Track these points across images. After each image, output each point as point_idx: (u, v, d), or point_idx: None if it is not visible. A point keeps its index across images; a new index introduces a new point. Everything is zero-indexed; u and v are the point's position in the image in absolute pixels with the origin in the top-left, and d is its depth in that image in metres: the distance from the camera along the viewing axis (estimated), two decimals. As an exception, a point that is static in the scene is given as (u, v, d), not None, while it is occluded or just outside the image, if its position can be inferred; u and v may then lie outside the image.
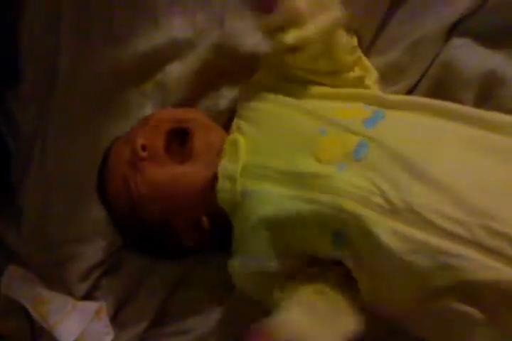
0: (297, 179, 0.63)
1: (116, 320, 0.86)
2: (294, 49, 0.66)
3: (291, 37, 0.63)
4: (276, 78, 0.72)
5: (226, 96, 0.79)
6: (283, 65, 0.71)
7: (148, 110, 0.82)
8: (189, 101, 0.80)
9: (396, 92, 0.73)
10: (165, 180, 0.70)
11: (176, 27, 0.79)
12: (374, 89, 0.70)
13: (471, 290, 0.54)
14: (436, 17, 0.71)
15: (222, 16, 0.77)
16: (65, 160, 0.85)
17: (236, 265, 0.70)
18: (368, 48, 0.72)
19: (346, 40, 0.69)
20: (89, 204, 0.84)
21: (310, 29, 0.64)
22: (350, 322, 0.59)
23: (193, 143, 0.71)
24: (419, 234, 0.55)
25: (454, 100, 0.67)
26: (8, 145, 0.89)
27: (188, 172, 0.70)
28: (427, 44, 0.72)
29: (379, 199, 0.57)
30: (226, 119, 0.77)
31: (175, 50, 0.79)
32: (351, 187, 0.59)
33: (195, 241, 0.75)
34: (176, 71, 0.79)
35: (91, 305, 0.86)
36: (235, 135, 0.71)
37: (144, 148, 0.70)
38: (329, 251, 0.62)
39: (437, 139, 0.61)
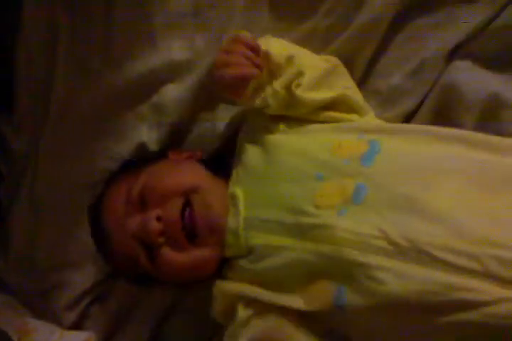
0: (299, 229, 0.63)
1: (106, 352, 0.85)
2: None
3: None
4: (265, 120, 0.73)
5: (222, 118, 0.79)
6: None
7: (143, 132, 0.81)
8: (185, 123, 0.80)
9: (398, 115, 0.74)
10: (182, 265, 0.69)
11: (174, 50, 0.79)
12: (369, 118, 0.71)
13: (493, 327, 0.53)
14: (437, 40, 0.72)
15: (220, 39, 0.77)
16: (55, 184, 0.84)
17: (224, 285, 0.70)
18: (367, 71, 0.72)
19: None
20: (79, 229, 0.83)
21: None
22: None
23: (198, 225, 0.68)
24: (426, 272, 0.55)
25: (455, 122, 0.69)
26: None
27: (201, 256, 0.69)
28: (428, 67, 0.72)
29: (382, 243, 0.57)
30: (224, 140, 0.77)
31: (171, 72, 0.79)
32: (351, 233, 0.59)
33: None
34: (172, 93, 0.79)
35: (79, 335, 0.83)
36: (233, 188, 0.71)
37: (161, 234, 0.68)
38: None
39: (435, 169, 0.61)
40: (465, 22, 0.70)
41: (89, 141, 0.82)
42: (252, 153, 0.72)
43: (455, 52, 0.71)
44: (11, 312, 0.85)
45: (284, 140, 0.70)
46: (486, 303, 0.53)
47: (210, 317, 0.74)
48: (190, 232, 0.68)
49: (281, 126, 0.71)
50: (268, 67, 0.68)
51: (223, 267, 0.73)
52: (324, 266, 0.60)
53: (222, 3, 0.77)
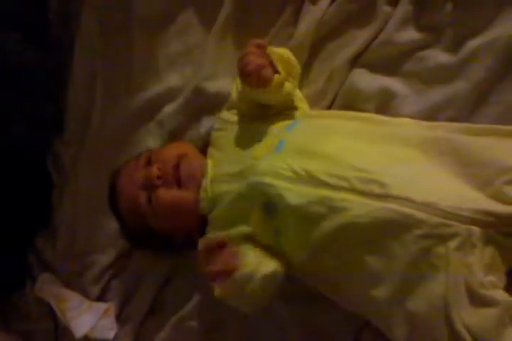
0: (241, 175, 0.84)
1: (120, 316, 1.04)
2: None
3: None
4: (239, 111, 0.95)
5: (205, 125, 1.00)
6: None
7: (149, 144, 1.04)
8: (178, 131, 1.02)
9: (320, 110, 0.94)
10: (171, 200, 0.89)
11: (171, 79, 1.03)
12: (303, 108, 0.92)
13: (354, 230, 0.73)
14: (342, 55, 0.92)
15: (201, 68, 1.00)
16: (90, 187, 1.08)
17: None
18: (301, 80, 0.93)
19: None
20: (105, 222, 1.06)
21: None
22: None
23: (185, 177, 0.90)
24: (315, 191, 0.76)
25: (358, 111, 0.90)
26: (52, 179, 1.13)
27: (184, 195, 0.90)
28: (337, 75, 0.92)
29: (288, 172, 0.79)
30: (206, 142, 0.98)
31: (169, 96, 1.03)
32: (269, 167, 0.80)
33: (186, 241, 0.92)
34: (169, 109, 1.03)
35: (101, 305, 1.04)
36: (206, 160, 0.93)
37: (159, 178, 0.90)
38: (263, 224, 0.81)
39: (329, 131, 0.84)
40: (358, 40, 0.91)
41: (113, 152, 1.07)
42: (220, 138, 0.94)
43: (354, 63, 0.92)
44: (52, 285, 1.07)
45: (243, 123, 0.92)
46: (350, 208, 0.74)
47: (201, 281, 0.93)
48: (178, 179, 0.88)
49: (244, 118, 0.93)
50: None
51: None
52: (251, 193, 0.81)
53: (200, 44, 1.02)
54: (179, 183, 0.89)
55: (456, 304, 0.69)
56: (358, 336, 0.88)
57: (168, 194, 0.88)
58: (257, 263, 0.78)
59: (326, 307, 0.88)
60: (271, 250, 0.82)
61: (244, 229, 0.83)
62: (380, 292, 0.74)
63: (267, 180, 0.79)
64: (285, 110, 0.91)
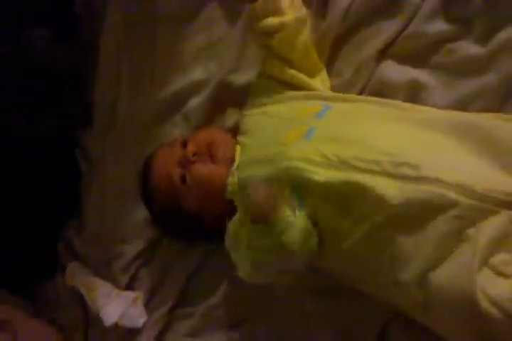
0: (269, 160, 0.85)
1: (149, 305, 1.06)
2: (274, 32, 0.90)
3: (274, 20, 0.88)
4: (264, 93, 0.96)
5: (230, 118, 1.01)
6: (267, 64, 0.95)
7: (175, 136, 1.04)
8: (203, 125, 1.03)
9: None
10: (207, 174, 0.90)
11: (196, 72, 1.05)
12: (326, 90, 0.94)
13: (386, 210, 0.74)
14: (369, 47, 0.92)
15: (226, 61, 1.02)
16: (116, 178, 1.10)
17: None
18: (327, 70, 0.95)
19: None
20: (133, 210, 1.07)
21: (288, 17, 0.89)
22: None
23: (219, 154, 0.91)
24: (347, 175, 0.77)
25: None
26: (80, 169, 1.15)
27: (217, 169, 0.90)
28: (365, 67, 0.93)
29: (319, 158, 0.79)
30: (232, 134, 0.98)
31: (195, 89, 1.04)
32: (299, 152, 0.81)
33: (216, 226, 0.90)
34: (195, 103, 1.04)
35: (130, 294, 1.06)
36: (235, 146, 0.94)
37: (194, 154, 0.91)
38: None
39: (359, 116, 0.86)
40: (386, 32, 0.91)
41: (139, 144, 1.08)
42: (250, 122, 0.95)
43: (382, 55, 0.92)
44: (81, 274, 1.09)
45: (270, 109, 0.93)
46: (382, 191, 0.74)
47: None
48: (212, 156, 0.90)
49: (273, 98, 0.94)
50: None
51: None
52: (279, 177, 0.80)
53: (225, 38, 1.03)
54: (212, 159, 0.90)
55: (481, 280, 0.69)
56: (383, 333, 0.89)
57: (204, 168, 0.90)
58: (297, 216, 0.77)
59: (352, 303, 0.89)
60: None
61: None
62: (407, 274, 0.74)
63: (297, 163, 0.80)
64: (309, 76, 0.93)
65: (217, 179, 0.89)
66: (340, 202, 0.78)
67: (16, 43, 0.95)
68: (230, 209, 0.87)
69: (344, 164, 0.78)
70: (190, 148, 0.91)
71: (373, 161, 0.76)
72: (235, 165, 0.89)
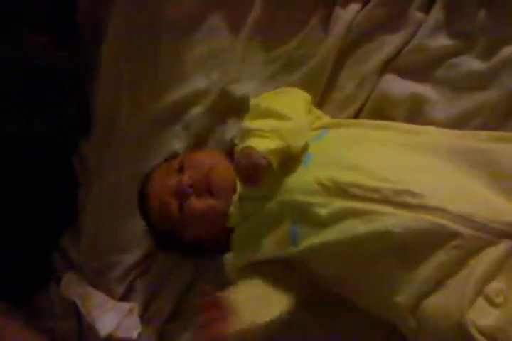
0: (270, 193, 0.84)
1: (144, 316, 1.05)
2: None
3: None
4: None
5: (231, 129, 1.00)
6: None
7: (175, 144, 1.04)
8: (203, 135, 1.04)
9: (349, 115, 0.95)
10: (203, 210, 0.89)
11: (197, 82, 1.04)
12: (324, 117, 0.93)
13: (385, 238, 0.73)
14: (371, 61, 0.92)
15: (228, 71, 1.02)
16: (114, 188, 1.09)
17: (230, 257, 0.90)
18: (329, 86, 0.96)
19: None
20: (130, 220, 1.06)
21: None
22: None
23: (216, 185, 0.89)
24: (344, 203, 0.76)
25: (388, 117, 0.90)
26: (77, 180, 1.14)
27: (214, 204, 0.90)
28: (367, 81, 0.93)
29: (315, 186, 0.78)
30: (232, 144, 0.97)
31: (196, 98, 1.04)
32: (298, 184, 0.81)
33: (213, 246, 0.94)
34: (196, 113, 1.04)
35: (126, 305, 1.05)
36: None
37: (190, 186, 0.89)
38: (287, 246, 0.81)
39: (357, 141, 0.85)
40: (389, 46, 0.91)
41: (136, 155, 1.07)
42: None
43: (385, 69, 0.92)
44: (76, 284, 1.07)
45: None
46: (382, 219, 0.74)
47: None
48: (209, 188, 0.88)
49: None
50: None
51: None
52: (282, 209, 0.81)
53: (227, 48, 1.03)
54: (211, 192, 0.89)
55: (473, 312, 0.70)
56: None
57: (200, 203, 0.88)
58: (253, 313, 0.77)
59: (350, 313, 0.88)
60: (292, 262, 0.83)
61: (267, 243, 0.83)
62: (402, 297, 0.75)
63: (298, 197, 0.80)
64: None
65: (216, 213, 0.89)
66: (337, 232, 0.77)
67: (16, 48, 0.95)
68: (229, 232, 0.89)
69: (341, 191, 0.77)
70: (186, 177, 0.89)
71: (374, 189, 0.75)
72: (236, 195, 0.88)
